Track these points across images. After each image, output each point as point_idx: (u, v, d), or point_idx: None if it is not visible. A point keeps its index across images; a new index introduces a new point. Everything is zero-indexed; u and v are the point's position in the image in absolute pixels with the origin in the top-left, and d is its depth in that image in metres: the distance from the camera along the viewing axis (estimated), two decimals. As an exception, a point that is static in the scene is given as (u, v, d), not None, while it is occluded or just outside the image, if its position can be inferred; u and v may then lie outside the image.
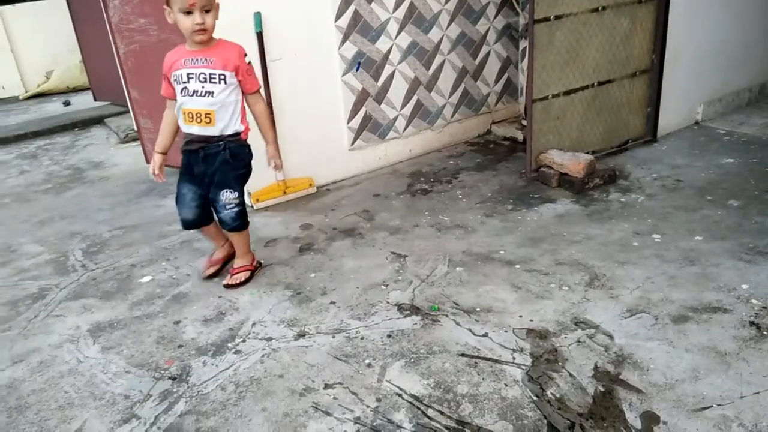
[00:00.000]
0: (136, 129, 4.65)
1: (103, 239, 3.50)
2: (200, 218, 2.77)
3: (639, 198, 3.39)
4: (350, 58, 3.83)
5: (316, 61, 3.70)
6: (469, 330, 2.36)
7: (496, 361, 2.17)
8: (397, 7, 3.92)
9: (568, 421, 1.87)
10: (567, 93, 3.73)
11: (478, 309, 2.49)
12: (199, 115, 2.54)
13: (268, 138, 2.74)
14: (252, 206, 3.66)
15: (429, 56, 4.20)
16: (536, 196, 3.54)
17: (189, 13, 2.40)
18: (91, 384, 2.24)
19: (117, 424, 2.03)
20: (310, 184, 3.86)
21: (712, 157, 3.87)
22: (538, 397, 1.98)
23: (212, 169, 2.63)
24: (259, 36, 3.42)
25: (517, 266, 2.80)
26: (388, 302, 2.60)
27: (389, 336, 2.36)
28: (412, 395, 2.03)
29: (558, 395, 1.98)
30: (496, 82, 4.66)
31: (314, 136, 3.82)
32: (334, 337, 2.39)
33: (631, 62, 3.92)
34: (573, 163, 3.53)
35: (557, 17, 3.50)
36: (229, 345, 2.40)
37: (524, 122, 4.27)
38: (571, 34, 3.60)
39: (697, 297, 2.45)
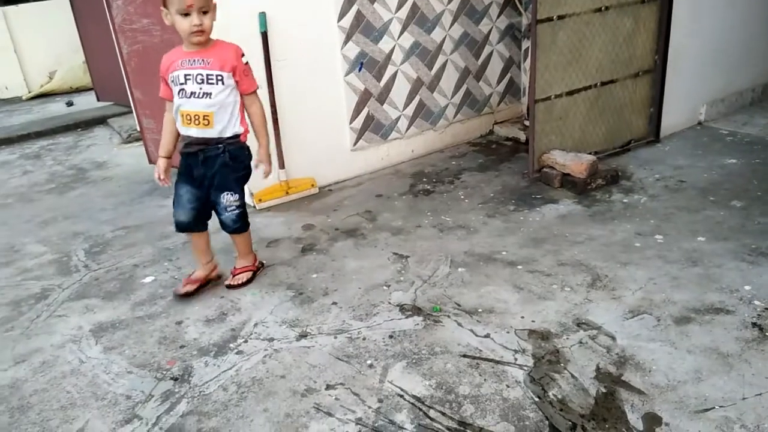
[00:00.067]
0: (138, 129, 4.65)
1: (105, 239, 3.51)
2: (195, 221, 2.70)
3: (641, 199, 3.39)
4: (353, 58, 3.83)
5: (318, 61, 3.71)
6: (471, 331, 2.36)
7: (497, 362, 2.17)
8: (399, 7, 3.92)
9: (570, 423, 1.87)
10: (570, 93, 3.72)
11: (480, 310, 2.49)
12: (197, 117, 2.52)
13: (261, 141, 2.68)
14: (254, 206, 3.67)
15: (431, 56, 4.20)
16: (538, 196, 3.54)
17: (186, 14, 2.38)
18: (93, 384, 2.24)
19: (119, 425, 2.03)
20: (313, 185, 3.86)
21: (715, 157, 3.86)
22: (539, 398, 1.98)
23: (212, 172, 2.61)
24: (264, 36, 3.42)
25: (519, 267, 2.80)
26: (390, 303, 2.60)
27: (391, 337, 2.36)
28: (413, 396, 2.03)
29: (560, 396, 1.98)
30: (499, 82, 4.66)
31: (317, 136, 3.82)
32: (335, 337, 2.39)
33: (633, 62, 3.91)
34: (575, 163, 3.53)
35: (560, 17, 3.50)
36: (231, 345, 2.40)
37: (527, 123, 4.26)
38: (574, 34, 3.60)
39: (700, 298, 2.44)
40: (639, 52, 3.91)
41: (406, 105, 4.19)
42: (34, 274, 3.17)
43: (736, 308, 2.36)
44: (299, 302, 2.67)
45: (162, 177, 2.69)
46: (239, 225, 2.74)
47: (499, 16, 4.46)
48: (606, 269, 2.71)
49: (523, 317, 2.42)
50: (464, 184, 3.83)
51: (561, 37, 3.55)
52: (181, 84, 2.50)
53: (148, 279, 3.00)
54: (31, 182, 4.75)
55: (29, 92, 8.27)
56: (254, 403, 2.07)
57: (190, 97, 2.50)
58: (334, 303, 2.63)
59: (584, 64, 3.71)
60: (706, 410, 1.87)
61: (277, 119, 3.59)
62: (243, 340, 2.43)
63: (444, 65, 4.29)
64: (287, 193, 3.76)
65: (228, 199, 2.66)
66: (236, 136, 2.61)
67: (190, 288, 2.74)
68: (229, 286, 2.82)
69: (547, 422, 1.88)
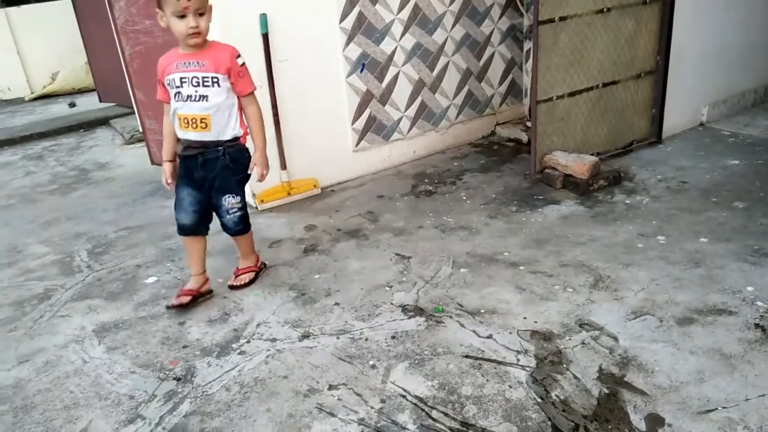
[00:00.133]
0: (141, 130, 4.66)
1: (108, 240, 3.51)
2: (198, 224, 2.67)
3: (644, 199, 3.39)
4: (355, 59, 3.83)
5: (320, 62, 3.71)
6: (474, 331, 2.36)
7: (500, 362, 2.17)
8: (401, 8, 3.93)
9: (573, 423, 1.87)
10: (571, 94, 3.72)
11: (482, 310, 2.49)
12: (194, 120, 2.48)
13: (257, 143, 2.62)
14: (256, 207, 3.67)
15: (433, 57, 4.20)
16: (540, 197, 3.54)
17: (182, 16, 2.34)
18: (96, 384, 2.25)
19: (122, 425, 2.04)
20: (315, 186, 3.87)
21: (717, 158, 3.86)
22: (542, 398, 1.98)
23: (212, 175, 2.58)
24: (265, 37, 3.43)
25: (522, 268, 2.80)
26: (392, 303, 2.60)
27: (393, 337, 2.36)
28: (416, 396, 2.03)
29: (562, 397, 1.98)
30: (501, 83, 4.66)
31: (318, 137, 3.82)
32: (338, 338, 2.39)
33: (635, 63, 3.91)
34: (577, 164, 3.53)
35: (562, 18, 3.50)
36: (234, 346, 2.40)
37: (528, 124, 4.27)
38: (576, 36, 3.60)
39: (702, 299, 2.44)
40: (641, 53, 3.91)
41: (408, 106, 4.19)
42: (37, 274, 3.18)
43: (739, 309, 2.36)
44: (302, 303, 2.67)
45: (169, 181, 2.68)
46: (241, 227, 2.73)
47: (500, 18, 4.46)
48: (608, 270, 2.72)
49: (525, 318, 2.42)
50: (466, 185, 3.83)
51: (563, 38, 3.55)
52: (177, 87, 2.47)
53: (151, 279, 3.00)
54: (33, 183, 4.76)
55: (32, 93, 8.28)
56: (257, 403, 2.08)
57: (186, 100, 2.47)
58: (337, 304, 2.64)
59: (586, 65, 3.71)
60: (709, 411, 1.87)
61: (278, 120, 3.60)
62: (246, 340, 2.43)
63: (446, 66, 4.29)
64: (289, 193, 3.76)
65: (230, 201, 2.64)
66: (236, 139, 2.58)
67: (185, 299, 2.65)
68: (232, 287, 2.83)
69: (549, 423, 1.88)
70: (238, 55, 2.51)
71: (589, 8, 3.58)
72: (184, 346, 2.43)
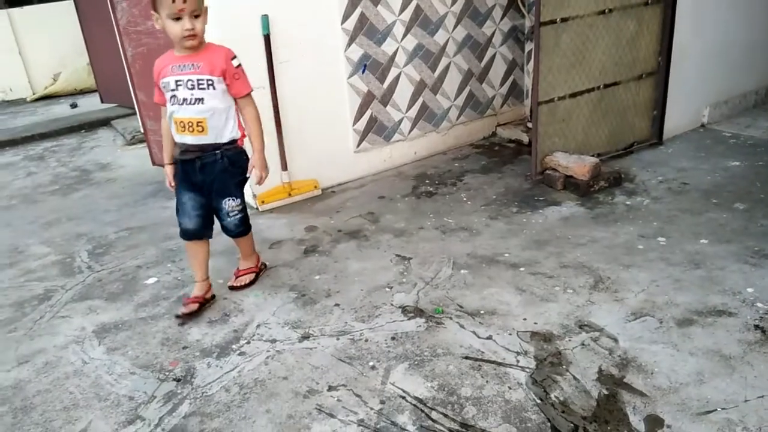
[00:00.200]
0: (142, 131, 4.67)
1: (109, 241, 3.52)
2: (203, 227, 2.65)
3: (644, 201, 3.38)
4: (356, 60, 3.84)
5: (322, 63, 3.71)
6: (474, 333, 2.36)
7: (500, 363, 2.17)
8: (403, 9, 3.93)
9: (572, 425, 1.87)
10: (573, 95, 3.72)
11: (482, 311, 2.49)
12: (191, 123, 2.45)
13: (255, 145, 2.58)
14: (257, 208, 3.67)
15: (435, 58, 4.20)
16: (541, 198, 3.53)
17: (178, 18, 2.31)
18: (96, 385, 2.25)
19: (122, 425, 2.04)
20: (315, 186, 3.87)
21: (718, 160, 3.86)
22: (542, 400, 1.98)
23: (211, 178, 2.56)
24: (266, 38, 3.43)
25: (522, 269, 2.80)
26: (392, 304, 2.60)
27: (393, 338, 2.36)
28: (415, 397, 2.03)
29: (562, 398, 1.98)
30: (502, 84, 4.66)
31: (319, 138, 3.83)
32: (338, 339, 2.39)
33: (637, 65, 3.91)
34: (578, 165, 3.53)
35: (563, 20, 3.50)
36: (234, 347, 2.41)
37: (529, 125, 4.27)
38: (577, 37, 3.60)
39: (702, 300, 2.44)
40: (642, 55, 3.91)
41: (409, 107, 4.19)
42: (38, 275, 3.18)
43: (739, 310, 2.36)
44: (302, 304, 2.67)
45: (173, 184, 2.66)
46: (242, 229, 2.72)
47: (502, 19, 4.46)
48: (608, 271, 2.71)
49: (525, 319, 2.42)
50: (467, 186, 3.83)
51: (564, 39, 3.55)
52: (173, 90, 2.43)
53: (151, 280, 3.01)
54: (35, 183, 4.77)
55: (33, 94, 8.30)
56: (256, 404, 2.08)
57: (182, 103, 2.43)
58: (337, 304, 2.64)
59: (587, 66, 3.71)
60: (708, 412, 1.87)
61: (279, 121, 3.60)
62: (245, 341, 2.43)
63: (447, 67, 4.30)
64: (290, 194, 3.77)
65: (230, 204, 2.63)
66: (233, 141, 2.55)
67: (193, 307, 2.63)
68: (232, 288, 2.83)
69: (549, 424, 1.88)
70: (234, 57, 2.46)
71: (590, 9, 3.58)
72: (184, 347, 2.43)
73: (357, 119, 3.96)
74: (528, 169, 3.90)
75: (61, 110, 7.33)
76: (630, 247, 2.91)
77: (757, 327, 2.25)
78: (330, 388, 2.12)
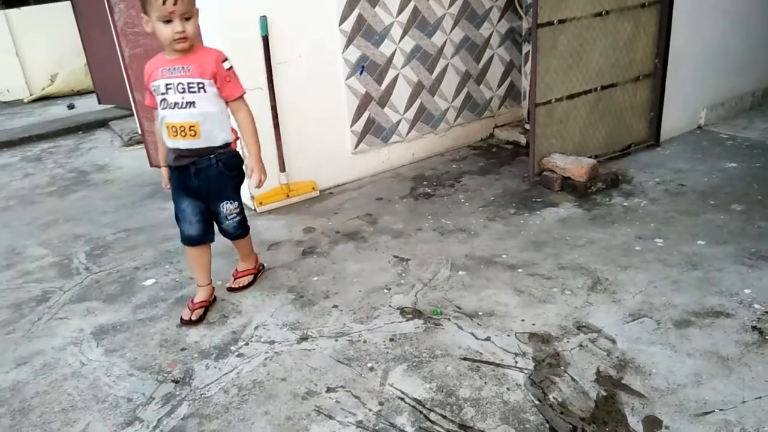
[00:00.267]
0: (140, 132, 4.67)
1: (106, 242, 3.51)
2: (204, 232, 2.61)
3: (642, 202, 3.39)
4: (354, 61, 3.84)
5: (320, 64, 3.72)
6: (472, 334, 2.36)
7: (498, 365, 2.17)
8: (400, 11, 3.93)
9: (570, 426, 1.87)
10: (570, 97, 3.73)
11: (480, 313, 2.50)
12: (183, 128, 2.39)
13: (251, 149, 2.53)
14: (255, 209, 3.67)
15: (432, 60, 4.21)
16: (539, 200, 3.54)
17: (168, 21, 2.26)
18: (94, 387, 2.25)
19: (120, 427, 2.04)
20: (314, 188, 3.87)
21: (715, 161, 3.87)
22: (540, 401, 1.99)
23: (207, 183, 2.52)
24: (265, 39, 3.43)
25: (520, 270, 2.80)
26: (390, 306, 2.60)
27: (392, 340, 2.37)
28: (414, 399, 2.04)
29: (560, 399, 1.99)
30: (499, 86, 4.67)
31: (317, 139, 3.83)
32: (336, 340, 2.39)
33: (634, 66, 3.92)
34: (576, 167, 3.53)
35: (561, 21, 3.51)
36: (232, 348, 2.41)
37: (527, 126, 4.27)
38: (575, 39, 3.61)
39: (700, 301, 2.45)
40: (639, 56, 3.92)
41: (407, 108, 4.20)
42: (35, 276, 3.18)
43: (736, 312, 2.36)
44: (300, 305, 2.67)
45: (169, 186, 2.64)
46: (240, 231, 2.71)
47: (499, 20, 4.47)
48: (606, 272, 2.72)
49: (523, 320, 2.42)
50: (465, 187, 3.84)
51: (561, 41, 3.56)
52: (163, 94, 2.38)
53: (149, 282, 3.00)
54: (32, 185, 4.76)
55: (31, 95, 8.28)
56: (255, 405, 2.08)
57: (174, 107, 2.38)
58: (335, 306, 2.64)
59: (585, 68, 3.72)
60: (706, 413, 1.87)
61: (278, 123, 3.60)
62: (244, 342, 2.43)
63: (445, 69, 4.30)
64: (288, 196, 3.77)
65: (228, 207, 2.60)
66: (227, 145, 2.51)
67: (201, 312, 2.62)
68: (230, 289, 2.83)
69: (547, 425, 1.88)
70: (225, 59, 2.41)
71: (587, 11, 3.59)
72: (183, 349, 2.43)
73: (355, 121, 3.96)
74: (525, 171, 3.91)
75: (58, 111, 7.31)
76: (627, 248, 2.92)
77: (754, 328, 2.26)
78: (328, 390, 2.12)
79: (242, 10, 3.35)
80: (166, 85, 2.37)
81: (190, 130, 2.40)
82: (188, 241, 2.62)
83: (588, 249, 2.94)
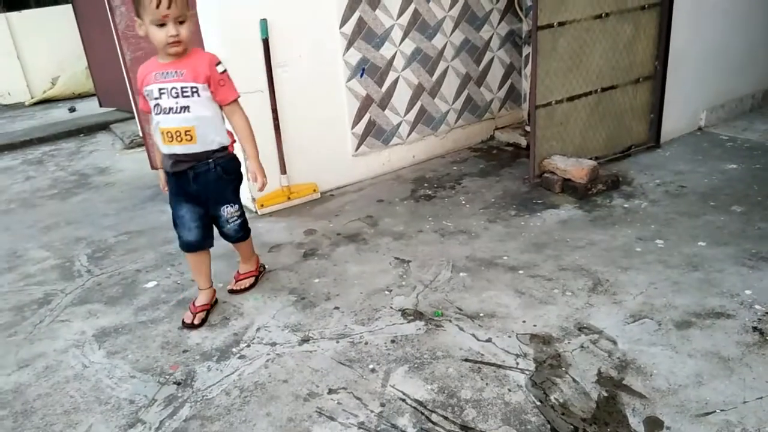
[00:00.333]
0: (141, 135, 4.68)
1: (108, 244, 3.52)
2: (203, 238, 2.59)
3: (642, 204, 3.40)
4: (354, 64, 3.85)
5: (320, 67, 3.73)
6: (473, 335, 2.36)
7: (499, 366, 2.18)
8: (401, 13, 3.94)
9: (572, 426, 1.88)
10: (570, 99, 3.74)
11: (481, 314, 2.50)
12: (178, 133, 2.36)
13: (249, 153, 2.50)
14: (256, 212, 3.68)
15: (433, 62, 4.22)
16: (539, 201, 3.55)
17: (162, 24, 2.22)
18: (96, 389, 2.25)
19: (122, 429, 2.04)
20: (314, 190, 3.88)
21: (716, 163, 3.88)
22: (541, 402, 1.99)
23: (206, 188, 2.50)
24: (265, 42, 3.44)
25: (521, 272, 2.81)
26: (391, 307, 2.60)
27: (393, 341, 2.37)
28: (416, 400, 2.04)
29: (561, 400, 1.99)
30: (500, 88, 4.68)
31: (318, 141, 3.83)
32: (338, 342, 2.40)
33: (634, 68, 3.93)
34: (576, 168, 3.54)
35: (560, 24, 3.52)
36: (234, 350, 2.41)
37: (527, 128, 4.28)
38: (575, 41, 3.62)
39: (701, 302, 2.45)
40: (639, 59, 3.93)
41: (408, 111, 4.21)
42: (37, 279, 3.19)
43: (737, 313, 2.37)
44: (301, 307, 2.68)
45: (166, 189, 2.62)
46: (241, 234, 2.70)
47: (499, 23, 4.48)
48: (607, 274, 2.72)
49: (524, 322, 2.43)
50: (465, 189, 3.84)
51: (561, 43, 3.57)
52: (156, 99, 2.35)
53: (151, 284, 3.01)
54: (33, 188, 4.77)
55: (32, 98, 8.30)
56: (257, 407, 2.08)
57: (168, 113, 2.34)
58: (336, 308, 2.64)
59: (585, 70, 3.73)
60: (707, 414, 1.88)
61: (278, 125, 3.61)
62: (245, 344, 2.44)
63: (445, 71, 4.31)
64: (289, 198, 3.77)
65: (228, 211, 2.59)
66: (224, 148, 2.48)
67: (202, 315, 2.62)
68: (232, 291, 2.83)
69: (548, 426, 1.89)
70: (218, 63, 2.37)
71: (587, 13, 3.60)
72: (184, 351, 2.44)
73: (355, 123, 3.97)
74: (526, 173, 3.91)
75: (59, 114, 7.33)
76: (628, 249, 2.92)
77: (755, 329, 2.26)
78: (330, 391, 2.12)
79: (242, 13, 3.36)
80: (160, 89, 2.34)
81: (185, 134, 2.37)
82: (187, 247, 2.61)
83: (589, 250, 2.95)
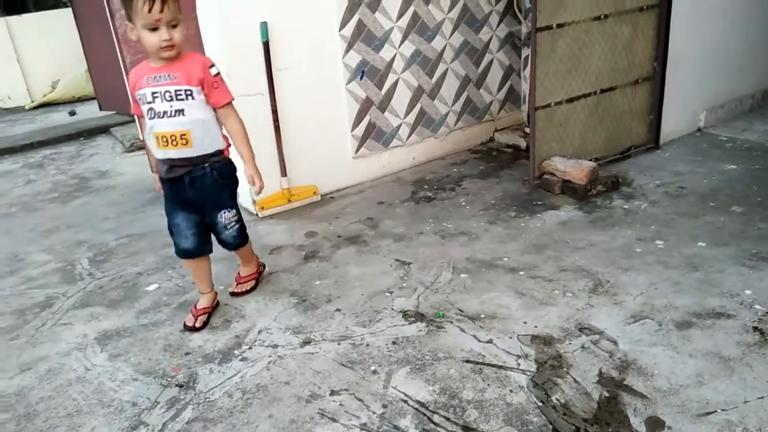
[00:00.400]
0: (141, 138, 4.69)
1: (109, 248, 3.53)
2: (200, 245, 2.56)
3: (642, 204, 3.40)
4: (354, 66, 3.86)
5: (320, 69, 3.74)
6: (474, 336, 2.37)
7: (500, 367, 2.18)
8: (400, 16, 3.95)
9: (573, 427, 1.88)
10: (569, 100, 3.75)
11: (482, 315, 2.51)
12: (173, 137, 2.33)
13: (245, 156, 2.47)
14: (257, 214, 3.69)
15: (432, 65, 4.23)
16: (539, 203, 3.55)
17: (155, 29, 2.20)
18: (99, 391, 2.26)
19: (125, 431, 2.04)
20: (315, 192, 3.88)
21: (715, 163, 3.88)
22: (543, 402, 1.99)
23: (202, 193, 2.47)
24: (266, 45, 3.45)
25: (521, 273, 2.81)
26: (393, 309, 2.61)
27: (394, 343, 2.38)
28: (417, 401, 2.05)
29: (563, 401, 1.99)
30: (499, 90, 4.69)
31: (318, 144, 3.84)
32: (339, 344, 2.40)
33: (633, 70, 3.94)
34: (576, 170, 3.55)
35: (559, 25, 3.53)
36: (236, 352, 2.41)
37: (527, 130, 4.29)
38: (574, 42, 3.63)
39: (701, 303, 2.46)
40: (638, 60, 3.94)
41: (407, 113, 4.22)
42: (39, 282, 3.19)
43: (737, 313, 2.37)
44: (303, 309, 2.68)
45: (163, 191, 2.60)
46: (240, 240, 2.66)
47: (498, 25, 4.50)
48: (607, 275, 2.73)
49: (525, 323, 2.43)
50: (465, 191, 3.85)
51: (560, 45, 3.58)
52: (149, 103, 2.32)
53: (152, 287, 3.02)
54: (34, 191, 4.78)
55: (32, 102, 8.31)
56: (259, 409, 2.09)
57: (162, 117, 2.31)
58: (338, 309, 2.65)
59: (584, 71, 3.74)
60: (708, 414, 1.88)
61: (279, 127, 3.62)
62: (247, 346, 2.44)
63: (444, 73, 4.32)
64: (289, 200, 3.78)
65: (226, 216, 2.56)
66: (219, 152, 2.46)
67: (204, 318, 2.62)
68: (233, 294, 2.84)
69: (550, 426, 1.89)
70: (212, 65, 2.35)
71: (586, 15, 3.61)
72: (186, 353, 2.44)
73: (355, 125, 3.98)
74: (526, 174, 3.92)
75: (59, 118, 7.34)
76: (628, 250, 2.93)
77: (755, 329, 2.27)
78: (332, 393, 2.13)
79: (243, 16, 3.37)
80: (153, 93, 2.31)
81: (181, 138, 2.33)
82: (183, 254, 2.60)
83: (589, 251, 2.95)
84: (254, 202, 3.68)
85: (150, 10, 2.16)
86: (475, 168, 4.24)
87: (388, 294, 2.73)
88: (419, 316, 2.54)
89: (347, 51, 3.80)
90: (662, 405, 1.93)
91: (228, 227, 2.58)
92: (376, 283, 2.83)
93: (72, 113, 7.40)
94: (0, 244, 3.77)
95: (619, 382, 2.06)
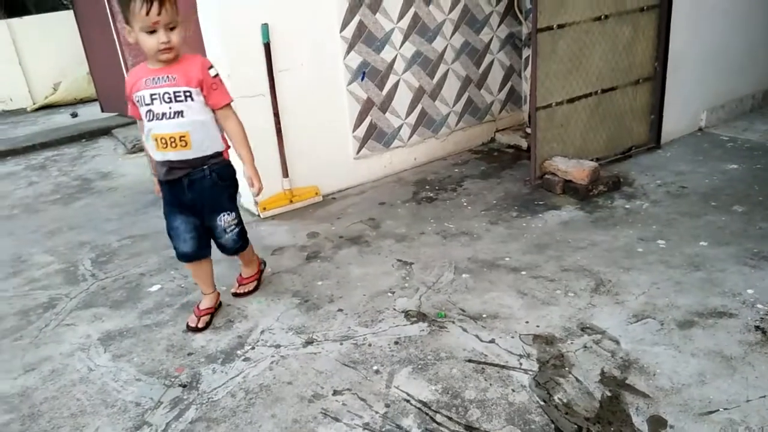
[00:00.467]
0: (142, 140, 4.69)
1: (111, 249, 3.54)
2: (199, 248, 2.56)
3: (643, 204, 3.41)
4: (355, 67, 3.87)
5: (321, 70, 3.74)
6: (476, 336, 2.38)
7: (503, 366, 2.19)
8: (401, 17, 3.96)
9: (576, 426, 1.89)
10: (570, 101, 3.75)
11: (484, 315, 2.51)
12: (172, 139, 2.31)
13: (245, 158, 2.46)
14: (259, 215, 3.70)
15: (433, 65, 4.24)
16: (541, 203, 3.56)
17: (152, 31, 2.19)
18: (102, 392, 2.27)
19: (129, 431, 2.05)
20: (316, 193, 3.89)
21: (716, 163, 3.89)
22: (545, 402, 2.00)
23: (201, 196, 2.45)
24: (267, 47, 3.46)
25: (523, 273, 2.82)
26: (395, 309, 2.62)
27: (396, 342, 2.38)
28: (420, 401, 2.05)
29: (565, 400, 2.00)
30: (500, 90, 4.69)
31: (320, 145, 3.85)
32: (341, 344, 2.41)
33: (633, 70, 3.94)
34: (577, 170, 3.55)
35: (560, 26, 3.54)
36: (239, 352, 2.42)
37: (528, 130, 4.30)
38: (574, 43, 3.63)
39: (703, 302, 2.46)
40: (639, 60, 3.94)
41: (409, 113, 4.22)
42: (42, 283, 3.20)
43: (739, 312, 2.38)
44: (305, 309, 2.69)
45: (161, 193, 2.59)
46: (240, 244, 2.64)
47: (499, 26, 4.50)
48: (609, 274, 2.74)
49: (527, 322, 2.44)
50: (467, 191, 3.86)
51: (561, 45, 3.59)
52: (148, 105, 2.30)
53: (155, 288, 3.02)
54: (36, 193, 4.79)
55: (34, 104, 8.33)
56: (262, 409, 2.09)
57: (161, 118, 2.30)
58: (340, 310, 2.66)
59: (584, 71, 3.74)
60: (711, 413, 1.89)
61: (280, 129, 3.62)
62: (250, 347, 2.45)
63: (445, 74, 4.33)
64: (291, 201, 3.79)
65: (225, 219, 2.54)
66: (219, 154, 2.44)
67: (206, 319, 2.62)
68: (236, 294, 2.84)
69: (552, 426, 1.90)
70: (210, 66, 2.34)
71: (587, 16, 3.62)
72: (189, 354, 2.45)
73: (357, 126, 3.99)
74: (527, 174, 3.93)
75: (61, 120, 7.36)
76: (630, 250, 2.93)
77: (757, 328, 2.27)
78: (335, 393, 2.14)
79: (244, 18, 3.37)
80: (151, 95, 2.29)
81: (180, 140, 2.32)
82: (183, 257, 2.59)
83: (590, 251, 2.96)
84: (256, 203, 3.69)
85: (147, 13, 2.15)
86: (477, 168, 4.25)
87: (390, 294, 2.74)
88: (421, 316, 2.54)
89: (348, 52, 3.81)
90: (664, 404, 1.94)
91: (227, 230, 2.56)
92: (378, 284, 2.84)
93: (74, 115, 7.42)
94: (3, 245, 3.78)
95: (621, 381, 2.06)
